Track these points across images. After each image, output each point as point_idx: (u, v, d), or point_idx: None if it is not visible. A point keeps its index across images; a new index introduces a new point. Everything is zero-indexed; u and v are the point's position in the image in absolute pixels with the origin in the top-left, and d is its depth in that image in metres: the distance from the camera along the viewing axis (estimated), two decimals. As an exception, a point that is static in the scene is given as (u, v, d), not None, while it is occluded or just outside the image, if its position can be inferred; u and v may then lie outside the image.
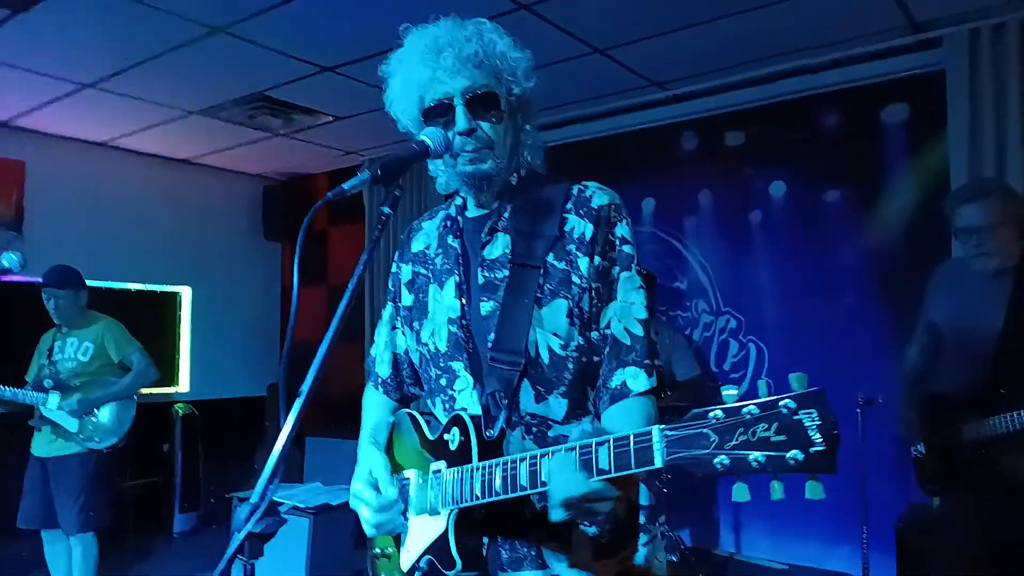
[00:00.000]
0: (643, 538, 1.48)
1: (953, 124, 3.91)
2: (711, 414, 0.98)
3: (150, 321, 6.38)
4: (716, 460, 0.96)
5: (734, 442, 0.95)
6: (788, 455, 0.92)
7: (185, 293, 6.68)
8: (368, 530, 1.46)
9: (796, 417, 0.92)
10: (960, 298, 2.73)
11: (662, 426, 1.03)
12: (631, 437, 1.06)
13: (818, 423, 0.91)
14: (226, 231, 6.82)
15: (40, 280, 3.97)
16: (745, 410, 0.96)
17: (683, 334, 4.75)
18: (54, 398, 3.86)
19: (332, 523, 3.73)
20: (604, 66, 4.43)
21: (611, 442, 1.08)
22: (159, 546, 5.50)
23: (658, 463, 1.03)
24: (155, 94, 4.84)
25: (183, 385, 6.59)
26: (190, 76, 4.52)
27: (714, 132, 4.92)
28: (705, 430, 0.98)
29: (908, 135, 4.29)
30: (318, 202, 1.24)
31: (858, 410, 3.78)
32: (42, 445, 3.94)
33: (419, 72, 1.40)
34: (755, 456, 0.93)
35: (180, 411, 6.14)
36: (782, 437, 0.92)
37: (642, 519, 1.49)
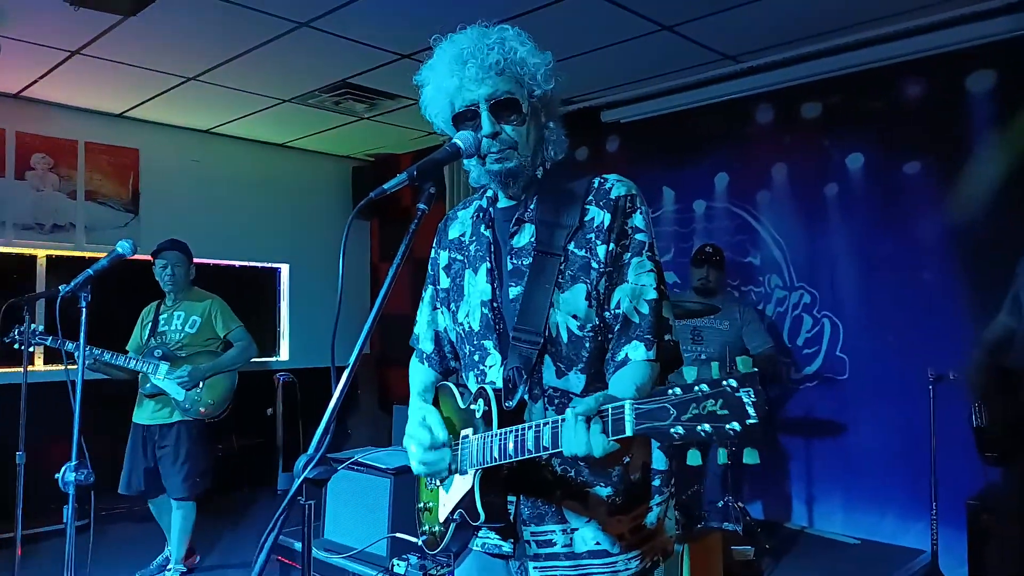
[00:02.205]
0: (657, 499, 1.61)
1: (1042, 91, 3.75)
2: (671, 391, 1.12)
3: (253, 295, 6.93)
4: (673, 430, 1.10)
5: (688, 415, 1.09)
6: (728, 426, 1.05)
7: (284, 269, 7.15)
8: (416, 467, 1.64)
9: (737, 394, 1.05)
10: None
11: (633, 400, 1.17)
12: (609, 409, 1.21)
13: (754, 400, 1.04)
14: (319, 210, 7.19)
15: (149, 257, 4.18)
16: (698, 388, 1.09)
17: (755, 308, 4.75)
18: (163, 367, 4.05)
19: (412, 483, 4.00)
20: (673, 42, 4.45)
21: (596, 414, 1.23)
22: (265, 501, 6.01)
23: (628, 432, 1.17)
24: (250, 85, 5.21)
25: (283, 354, 7.09)
26: (280, 67, 4.86)
27: (790, 104, 4.85)
28: (666, 404, 1.11)
29: (994, 103, 4.10)
30: (361, 201, 1.43)
31: (929, 387, 3.74)
32: (146, 414, 4.13)
33: (447, 81, 1.53)
34: (703, 427, 1.07)
35: (281, 378, 6.61)
36: (725, 412, 1.06)
37: (657, 482, 1.62)
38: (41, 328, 3.87)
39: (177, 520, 4.15)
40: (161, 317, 4.23)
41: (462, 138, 1.51)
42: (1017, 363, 2.83)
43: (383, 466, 4.11)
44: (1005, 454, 2.76)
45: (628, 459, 1.53)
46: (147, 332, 4.22)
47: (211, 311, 4.26)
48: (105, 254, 2.81)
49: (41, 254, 5.70)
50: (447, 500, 1.61)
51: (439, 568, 3.57)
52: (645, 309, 1.52)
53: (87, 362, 3.87)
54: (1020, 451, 2.68)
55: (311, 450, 1.32)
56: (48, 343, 3.92)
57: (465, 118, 1.54)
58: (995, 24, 4.00)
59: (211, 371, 4.16)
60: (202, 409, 4.14)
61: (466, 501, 1.52)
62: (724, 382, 1.07)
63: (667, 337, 1.53)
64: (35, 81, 5.09)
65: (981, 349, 3.03)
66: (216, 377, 4.18)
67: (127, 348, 4.26)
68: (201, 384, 4.13)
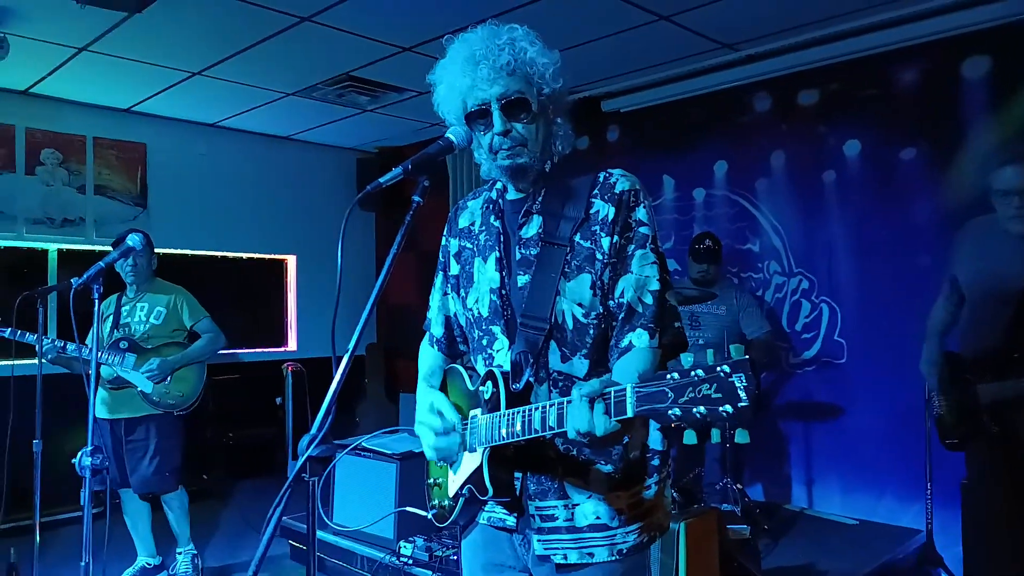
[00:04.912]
0: (655, 477, 1.69)
1: (1035, 76, 3.79)
2: (669, 375, 1.18)
3: (260, 286, 7.02)
4: (671, 412, 1.17)
5: (685, 398, 1.16)
6: (721, 409, 1.12)
7: (291, 261, 7.24)
8: (429, 452, 1.71)
9: (730, 379, 1.12)
10: (985, 258, 2.76)
11: (634, 384, 1.24)
12: (612, 392, 1.28)
13: (745, 384, 1.11)
14: (324, 202, 7.23)
15: (109, 248, 3.88)
16: (694, 373, 1.16)
17: (753, 295, 4.82)
18: (130, 360, 3.94)
19: (416, 467, 4.10)
20: (671, 31, 4.49)
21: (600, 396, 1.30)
22: (276, 490, 6.11)
23: (630, 413, 1.24)
24: (254, 79, 5.28)
25: (291, 344, 7.18)
26: (284, 61, 4.92)
27: (787, 92, 4.90)
28: (665, 388, 1.18)
29: (989, 89, 4.14)
30: (359, 194, 1.51)
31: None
32: (112, 407, 4.01)
33: (460, 80, 1.59)
34: (698, 409, 1.14)
35: (289, 368, 6.70)
36: (719, 395, 1.13)
37: (656, 462, 1.70)
38: None
39: (174, 508, 4.16)
40: (123, 309, 4.11)
41: (455, 133, 1.60)
42: (961, 348, 2.93)
43: (389, 451, 4.20)
44: (963, 440, 2.86)
45: (628, 439, 1.60)
46: (108, 325, 4.09)
47: (177, 302, 4.16)
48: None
49: (52, 248, 5.78)
50: (457, 476, 1.69)
51: (444, 550, 3.66)
52: (649, 299, 1.58)
53: (50, 356, 3.72)
54: (976, 435, 2.78)
55: (314, 429, 1.40)
56: (6, 335, 3.78)
57: (477, 116, 1.60)
58: (990, 10, 4.04)
59: (180, 363, 4.06)
60: (171, 401, 4.05)
61: (475, 477, 1.60)
62: (718, 368, 1.14)
63: (676, 324, 1.61)
64: (43, 78, 5.16)
65: (927, 338, 3.12)
66: (184, 369, 4.09)
67: (85, 342, 4.05)
68: (169, 377, 4.04)
